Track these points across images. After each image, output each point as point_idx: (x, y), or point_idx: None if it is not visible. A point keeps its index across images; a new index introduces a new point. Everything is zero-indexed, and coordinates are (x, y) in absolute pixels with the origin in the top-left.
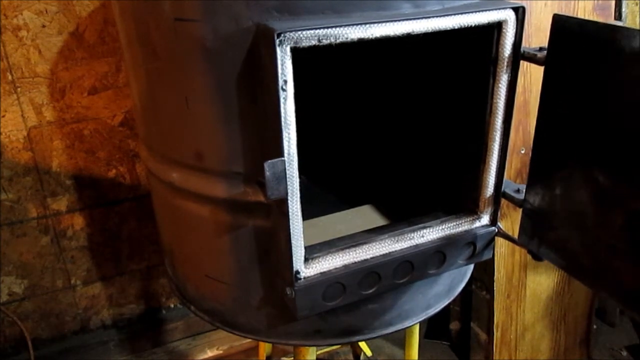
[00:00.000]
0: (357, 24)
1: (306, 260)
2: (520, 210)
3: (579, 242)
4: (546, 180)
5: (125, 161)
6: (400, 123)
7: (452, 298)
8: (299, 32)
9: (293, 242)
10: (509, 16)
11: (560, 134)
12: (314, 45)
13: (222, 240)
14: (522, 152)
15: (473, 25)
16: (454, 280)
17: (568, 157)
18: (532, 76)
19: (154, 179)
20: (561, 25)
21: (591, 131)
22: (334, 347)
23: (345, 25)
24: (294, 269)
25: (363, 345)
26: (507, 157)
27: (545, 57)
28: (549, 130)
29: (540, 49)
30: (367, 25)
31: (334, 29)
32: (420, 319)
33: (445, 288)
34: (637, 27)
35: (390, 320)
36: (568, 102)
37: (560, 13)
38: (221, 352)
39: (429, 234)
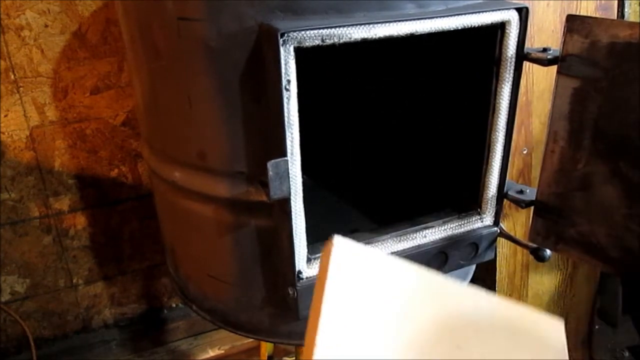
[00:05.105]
0: (360, 24)
1: (308, 260)
2: (523, 211)
3: (606, 235)
4: (564, 179)
5: (127, 161)
6: (403, 123)
7: None
8: (303, 32)
9: (295, 241)
10: (512, 17)
11: (582, 133)
12: (318, 45)
13: (224, 240)
14: (524, 152)
15: (476, 25)
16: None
17: (591, 154)
18: (534, 76)
19: (157, 178)
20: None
21: (619, 127)
22: None
23: (349, 25)
24: (296, 269)
25: None
26: (510, 158)
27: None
28: (568, 130)
29: (544, 49)
30: (371, 25)
31: (337, 28)
32: None
33: None
34: None
35: None
36: (594, 101)
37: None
38: (223, 351)
39: (431, 234)
